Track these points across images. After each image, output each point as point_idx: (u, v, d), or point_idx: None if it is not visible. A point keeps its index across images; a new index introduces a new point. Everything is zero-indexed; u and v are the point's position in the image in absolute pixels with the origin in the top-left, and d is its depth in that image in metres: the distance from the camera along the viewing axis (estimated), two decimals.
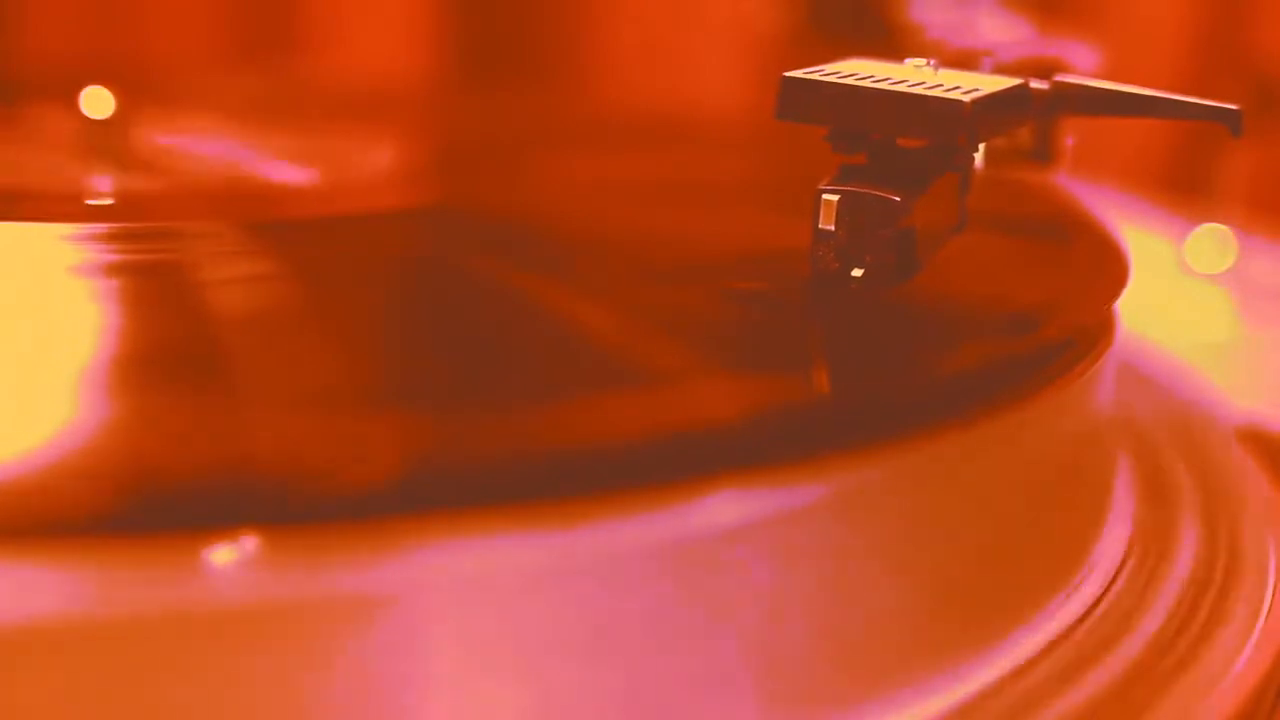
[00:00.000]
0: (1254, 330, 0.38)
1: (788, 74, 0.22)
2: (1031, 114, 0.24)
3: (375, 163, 0.34)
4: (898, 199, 0.21)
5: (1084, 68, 0.29)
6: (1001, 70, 0.25)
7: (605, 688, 0.16)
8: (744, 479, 0.17)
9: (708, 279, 0.24)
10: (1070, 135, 0.26)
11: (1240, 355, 0.37)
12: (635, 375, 0.20)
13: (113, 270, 0.24)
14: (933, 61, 0.23)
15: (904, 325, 0.22)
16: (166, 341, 0.20)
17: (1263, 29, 0.58)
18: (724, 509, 0.17)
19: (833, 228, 0.22)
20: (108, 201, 0.31)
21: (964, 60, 0.27)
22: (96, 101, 0.32)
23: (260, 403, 0.18)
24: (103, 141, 0.32)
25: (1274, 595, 0.22)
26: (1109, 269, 0.25)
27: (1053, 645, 0.20)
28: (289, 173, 0.33)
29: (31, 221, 0.27)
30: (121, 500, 0.15)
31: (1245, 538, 0.24)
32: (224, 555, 0.15)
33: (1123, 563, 0.23)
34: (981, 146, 0.24)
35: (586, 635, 0.16)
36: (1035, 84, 0.23)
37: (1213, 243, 0.41)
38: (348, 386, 0.19)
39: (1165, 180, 0.56)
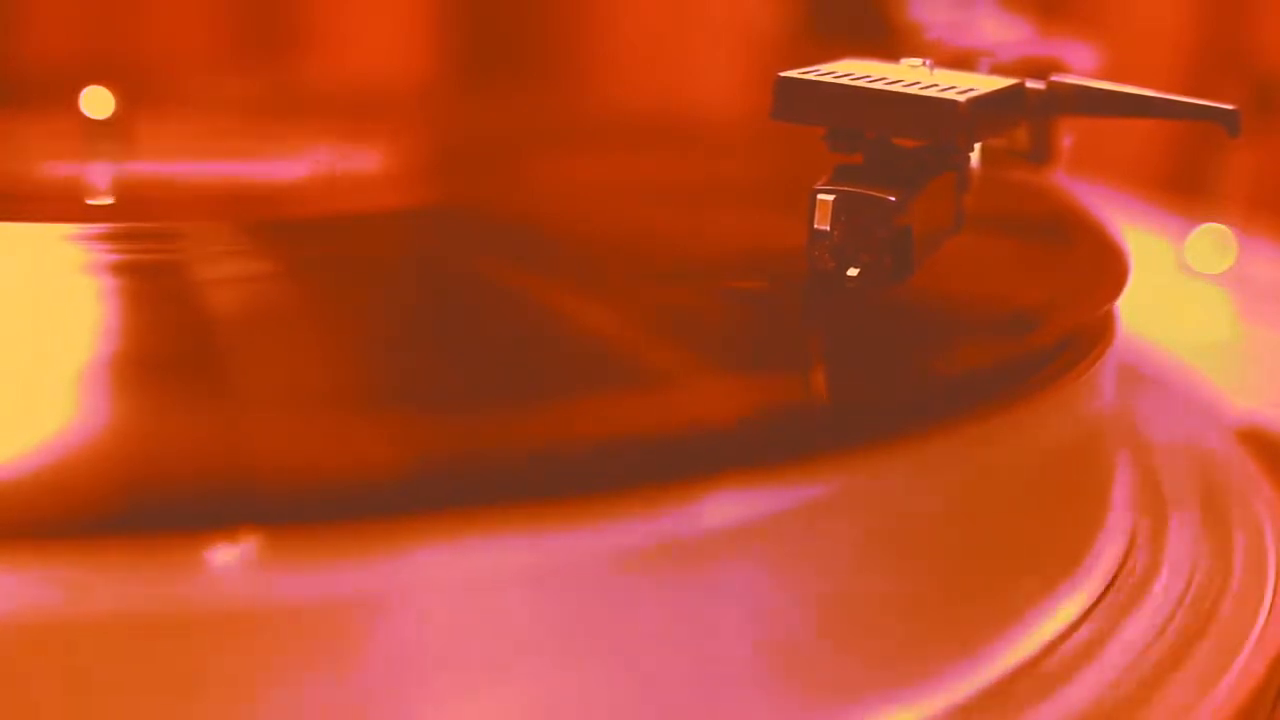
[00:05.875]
0: (1254, 330, 0.38)
1: (783, 74, 0.22)
2: (1028, 114, 0.24)
3: (376, 163, 0.34)
4: (893, 199, 0.21)
5: (1083, 68, 0.29)
6: (999, 70, 0.25)
7: (604, 688, 0.16)
8: (743, 479, 0.17)
9: (708, 279, 0.24)
10: (1068, 135, 0.26)
11: (1240, 355, 0.37)
12: (635, 375, 0.20)
13: (113, 270, 0.24)
14: (928, 61, 0.23)
15: (904, 325, 0.22)
16: (166, 341, 0.20)
17: (1263, 29, 0.58)
18: (723, 509, 0.17)
19: (828, 228, 0.22)
20: (108, 201, 0.31)
21: (962, 60, 0.27)
22: (96, 101, 0.32)
23: (260, 402, 0.18)
24: (103, 141, 0.32)
25: (1274, 595, 0.22)
26: (1109, 269, 0.25)
27: (1052, 645, 0.20)
28: (289, 173, 0.33)
29: (31, 221, 0.27)
30: (122, 500, 0.15)
31: (1245, 538, 0.24)
32: (224, 555, 0.15)
33: (1122, 562, 0.23)
34: (978, 146, 0.24)
35: (585, 636, 0.16)
36: (1031, 84, 0.23)
37: (1213, 243, 0.41)
38: (348, 386, 0.19)
39: (1165, 180, 0.56)
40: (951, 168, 0.23)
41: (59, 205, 0.29)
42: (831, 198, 0.22)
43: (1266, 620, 0.21)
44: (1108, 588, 0.22)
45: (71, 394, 0.18)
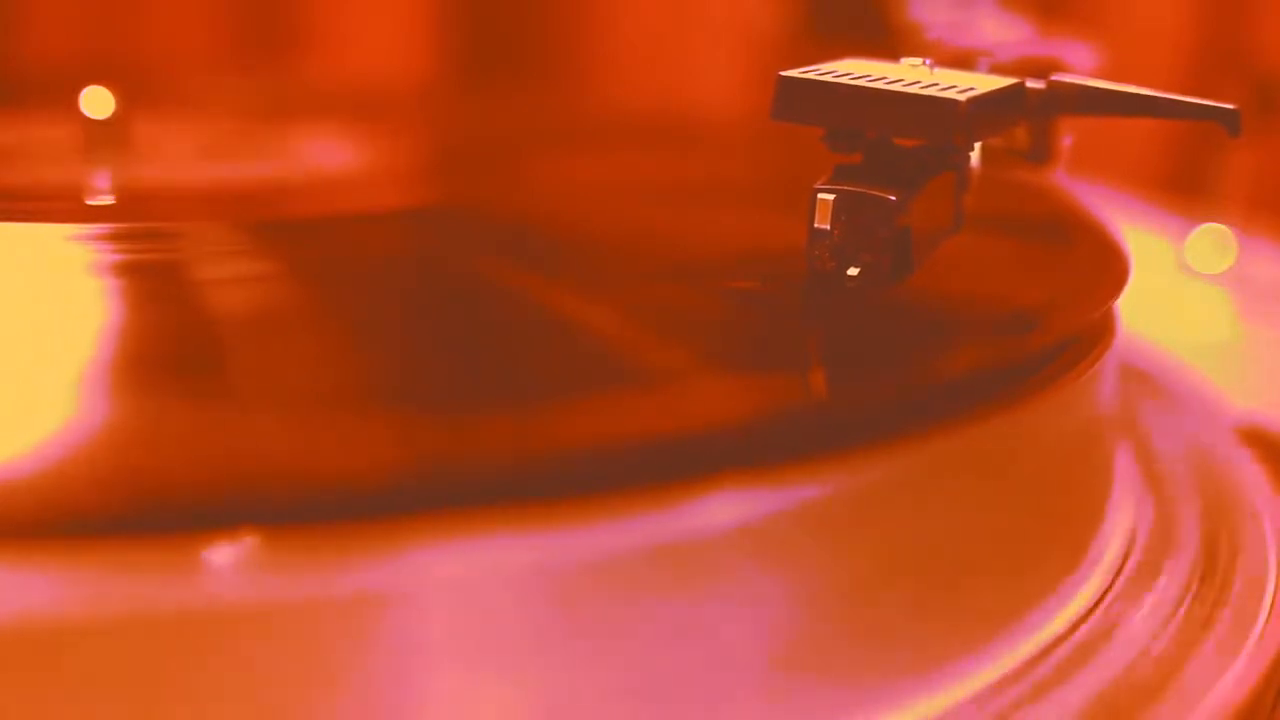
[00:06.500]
0: (1254, 330, 0.38)
1: (783, 73, 0.22)
2: (1027, 114, 0.24)
3: (376, 163, 0.34)
4: (893, 199, 0.21)
5: (1083, 68, 0.29)
6: (999, 70, 0.25)
7: (603, 688, 0.16)
8: (743, 479, 0.17)
9: (708, 279, 0.24)
10: (1069, 135, 0.26)
11: (1240, 355, 0.37)
12: (635, 375, 0.20)
13: (113, 270, 0.24)
14: (929, 61, 0.23)
15: (904, 325, 0.22)
16: (166, 342, 0.20)
17: (1263, 29, 0.58)
18: (723, 509, 0.17)
19: (828, 227, 0.22)
20: (108, 201, 0.31)
21: (962, 60, 0.27)
22: (96, 101, 0.32)
23: (260, 403, 0.18)
24: (103, 141, 0.32)
25: (1274, 595, 0.22)
26: (1109, 269, 0.25)
27: (1052, 645, 0.20)
28: (289, 172, 0.33)
29: (31, 221, 0.27)
30: (121, 500, 0.15)
31: (1245, 538, 0.24)
32: (224, 555, 0.15)
33: (1122, 562, 0.23)
34: (978, 146, 0.24)
35: (584, 635, 0.16)
36: (1031, 83, 0.23)
37: (1213, 243, 0.41)
38: (348, 386, 0.19)
39: (1165, 180, 0.56)
40: (951, 167, 0.23)
41: (59, 205, 0.29)
42: (832, 197, 0.22)
43: (1266, 620, 0.21)
44: (1107, 588, 0.22)
45: (71, 394, 0.18)
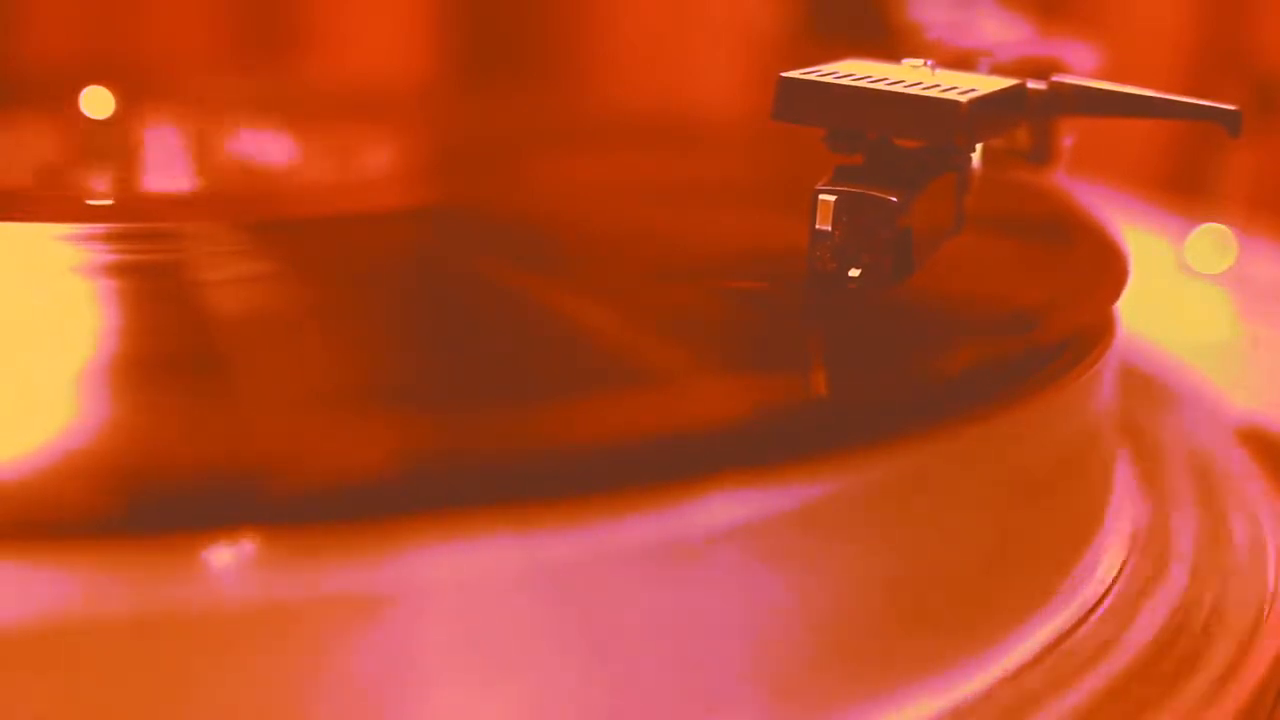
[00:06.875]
0: (1254, 330, 0.38)
1: (784, 74, 0.22)
2: (1028, 114, 0.24)
3: (375, 163, 0.34)
4: (895, 200, 0.21)
5: (1083, 68, 0.29)
6: (999, 70, 0.25)
7: (603, 688, 0.16)
8: (743, 479, 0.17)
9: (708, 279, 0.24)
10: (1069, 135, 0.26)
11: (1240, 355, 0.37)
12: (635, 375, 0.20)
13: (112, 270, 0.24)
14: (930, 62, 0.23)
15: (904, 325, 0.22)
16: (166, 342, 0.20)
17: (1263, 29, 0.58)
18: (723, 509, 0.17)
19: (829, 228, 0.22)
20: (108, 201, 0.31)
21: (962, 60, 0.27)
22: (96, 101, 0.32)
23: (260, 403, 0.18)
24: (103, 141, 0.32)
25: (1274, 595, 0.22)
26: (1109, 269, 0.25)
27: (1053, 645, 0.20)
28: (289, 172, 0.33)
29: (31, 221, 0.27)
30: (121, 500, 0.15)
31: (1245, 538, 0.24)
32: (223, 555, 0.15)
33: (1122, 563, 0.23)
34: (979, 147, 0.24)
35: (584, 636, 0.16)
36: (1033, 84, 0.23)
37: (1213, 243, 0.41)
38: (348, 386, 0.19)
39: (1165, 180, 0.56)
40: (953, 168, 0.23)
41: (59, 205, 0.29)
42: (833, 198, 0.22)
43: (1266, 620, 0.21)
44: (1108, 588, 0.22)
45: (71, 394, 0.18)
